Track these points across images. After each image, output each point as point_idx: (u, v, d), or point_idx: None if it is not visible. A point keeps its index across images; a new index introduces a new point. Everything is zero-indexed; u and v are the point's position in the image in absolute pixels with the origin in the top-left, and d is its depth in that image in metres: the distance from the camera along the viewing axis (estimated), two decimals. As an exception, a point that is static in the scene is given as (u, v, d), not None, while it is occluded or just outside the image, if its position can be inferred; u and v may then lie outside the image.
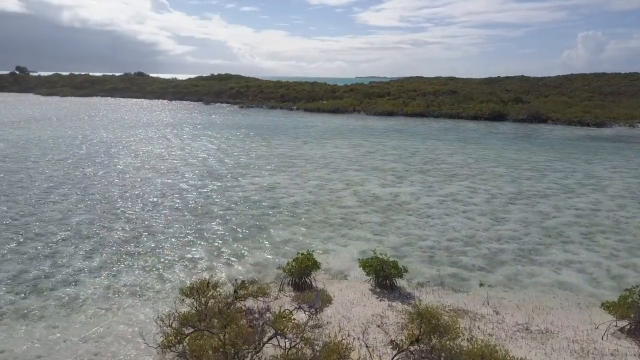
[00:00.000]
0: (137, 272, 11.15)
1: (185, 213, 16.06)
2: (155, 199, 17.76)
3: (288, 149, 30.04)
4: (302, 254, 10.46)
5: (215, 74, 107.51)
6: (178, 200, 17.62)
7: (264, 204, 17.33)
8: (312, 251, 10.76)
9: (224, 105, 72.77)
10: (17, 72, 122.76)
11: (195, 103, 76.41)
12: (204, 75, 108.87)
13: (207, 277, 9.92)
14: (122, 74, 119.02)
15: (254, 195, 18.47)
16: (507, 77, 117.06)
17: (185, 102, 78.94)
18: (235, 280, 9.50)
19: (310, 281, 10.37)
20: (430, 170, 23.98)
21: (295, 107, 65.57)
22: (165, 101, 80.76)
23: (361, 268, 10.58)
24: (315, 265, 10.27)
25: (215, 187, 19.79)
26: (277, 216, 15.83)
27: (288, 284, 10.34)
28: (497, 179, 22.19)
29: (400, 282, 10.51)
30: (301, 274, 10.12)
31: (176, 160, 25.94)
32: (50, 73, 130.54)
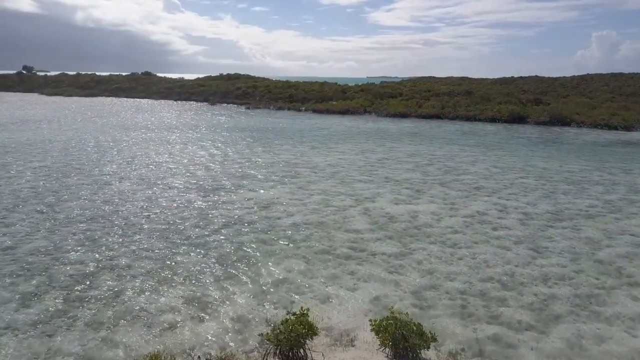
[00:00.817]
0: (80, 331, 8.51)
1: (165, 239, 13.44)
2: (133, 219, 15.17)
3: (292, 156, 27.39)
4: (294, 314, 7.79)
5: (225, 73, 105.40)
6: (159, 221, 15.02)
7: (258, 226, 14.66)
8: (307, 310, 8.01)
9: (230, 105, 70.39)
10: (24, 72, 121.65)
11: (201, 103, 74.12)
12: (212, 75, 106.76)
13: (162, 348, 7.32)
14: (128, 73, 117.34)
15: (247, 215, 15.83)
16: (521, 77, 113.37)
17: (190, 102, 76.75)
18: (199, 357, 6.87)
19: (305, 351, 7.70)
20: (451, 182, 21.18)
21: (303, 108, 62.97)
22: (170, 101, 78.63)
23: (374, 332, 7.89)
24: (312, 331, 7.59)
25: (205, 203, 17.18)
26: (271, 244, 13.14)
27: (275, 353, 7.68)
28: (529, 193, 19.34)
29: (427, 352, 7.81)
30: (291, 345, 7.44)
31: (168, 169, 23.38)
32: (57, 72, 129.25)
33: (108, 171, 22.29)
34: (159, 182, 20.20)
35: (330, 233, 14.06)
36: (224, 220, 15.15)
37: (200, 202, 17.24)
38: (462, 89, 71.89)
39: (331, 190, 19.17)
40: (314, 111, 60.56)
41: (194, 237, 13.58)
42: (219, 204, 17.12)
